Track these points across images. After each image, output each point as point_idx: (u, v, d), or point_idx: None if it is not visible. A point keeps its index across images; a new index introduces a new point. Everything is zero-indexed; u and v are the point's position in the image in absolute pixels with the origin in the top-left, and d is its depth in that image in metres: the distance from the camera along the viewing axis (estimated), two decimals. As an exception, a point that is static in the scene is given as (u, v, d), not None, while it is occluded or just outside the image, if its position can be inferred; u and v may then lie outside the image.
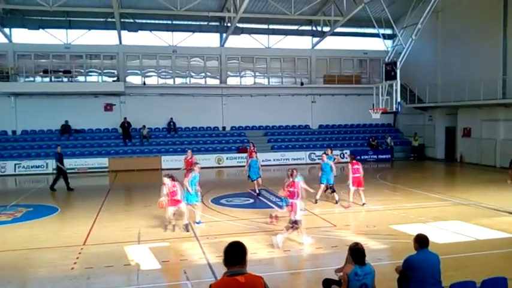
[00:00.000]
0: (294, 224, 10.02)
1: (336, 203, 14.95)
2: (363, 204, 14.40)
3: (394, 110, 22.06)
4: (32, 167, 25.60)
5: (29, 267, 9.21)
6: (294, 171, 10.90)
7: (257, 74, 32.91)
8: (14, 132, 28.56)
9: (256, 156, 17.67)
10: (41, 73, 28.99)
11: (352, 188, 14.39)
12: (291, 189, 10.36)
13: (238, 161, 25.87)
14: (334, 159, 16.84)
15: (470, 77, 24.95)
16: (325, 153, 15.84)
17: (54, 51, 29.26)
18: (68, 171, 24.21)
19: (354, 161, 14.83)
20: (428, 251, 6.16)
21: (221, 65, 31.67)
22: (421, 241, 6.18)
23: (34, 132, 28.64)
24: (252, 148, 19.59)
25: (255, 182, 16.86)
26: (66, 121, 28.43)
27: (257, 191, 16.88)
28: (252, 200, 16.18)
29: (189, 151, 18.79)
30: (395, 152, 30.74)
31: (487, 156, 25.40)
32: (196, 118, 30.71)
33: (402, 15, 26.29)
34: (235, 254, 4.02)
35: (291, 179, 10.62)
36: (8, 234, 11.78)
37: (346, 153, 27.91)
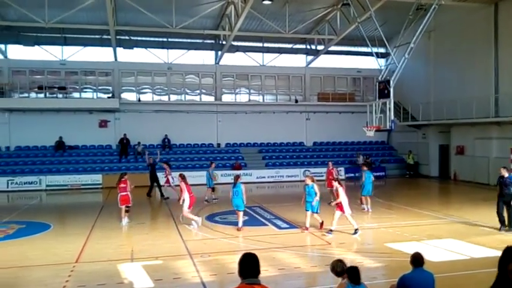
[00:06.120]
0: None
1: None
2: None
3: (388, 127, 22.16)
4: (25, 183, 25.38)
5: (18, 285, 9.08)
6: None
7: (252, 91, 33.06)
8: (7, 148, 28.39)
9: None
10: (36, 89, 29.03)
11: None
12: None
13: (232, 178, 25.80)
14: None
15: (462, 95, 25.20)
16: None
17: (49, 68, 29.35)
18: (61, 187, 24.21)
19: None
20: (423, 269, 6.14)
21: (216, 82, 31.81)
22: (416, 260, 6.16)
23: (28, 148, 28.50)
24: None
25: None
26: (61, 137, 28.32)
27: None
28: (246, 218, 16.09)
29: (330, 163, 19.61)
30: (389, 169, 30.82)
31: (480, 174, 25.47)
32: (191, 135, 30.66)
33: (395, 35, 26.61)
34: (252, 265, 4.01)
35: None
36: (-1, 251, 11.63)
37: (340, 170, 27.89)
